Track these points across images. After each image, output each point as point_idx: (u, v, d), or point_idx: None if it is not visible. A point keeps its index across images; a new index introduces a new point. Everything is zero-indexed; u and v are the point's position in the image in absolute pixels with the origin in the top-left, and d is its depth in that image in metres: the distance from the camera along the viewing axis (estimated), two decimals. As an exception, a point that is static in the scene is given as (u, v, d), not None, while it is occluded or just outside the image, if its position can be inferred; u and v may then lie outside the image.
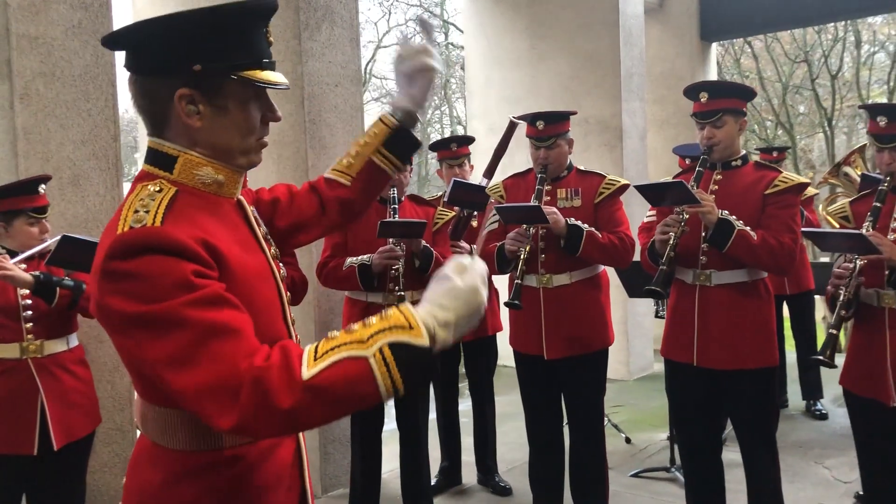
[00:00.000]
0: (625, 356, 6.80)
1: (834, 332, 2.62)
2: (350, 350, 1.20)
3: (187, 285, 1.21)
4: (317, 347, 1.22)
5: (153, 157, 1.39)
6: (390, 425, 3.90)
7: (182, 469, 1.38)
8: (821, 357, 2.61)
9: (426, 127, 24.18)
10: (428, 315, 1.24)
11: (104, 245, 1.27)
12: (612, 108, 6.76)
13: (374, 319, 1.24)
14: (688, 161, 5.29)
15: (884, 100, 15.30)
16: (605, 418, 5.08)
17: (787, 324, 5.68)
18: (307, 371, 1.18)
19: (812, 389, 5.62)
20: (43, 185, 2.98)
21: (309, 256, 4.18)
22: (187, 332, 1.19)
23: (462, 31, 9.42)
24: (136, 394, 1.47)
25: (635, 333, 6.93)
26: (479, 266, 1.31)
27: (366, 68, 22.26)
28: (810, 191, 4.20)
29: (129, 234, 1.23)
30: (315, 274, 3.70)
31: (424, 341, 1.21)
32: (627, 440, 5.08)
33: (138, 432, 1.49)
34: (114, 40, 1.41)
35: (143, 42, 1.35)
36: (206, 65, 1.32)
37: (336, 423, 4.33)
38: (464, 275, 1.28)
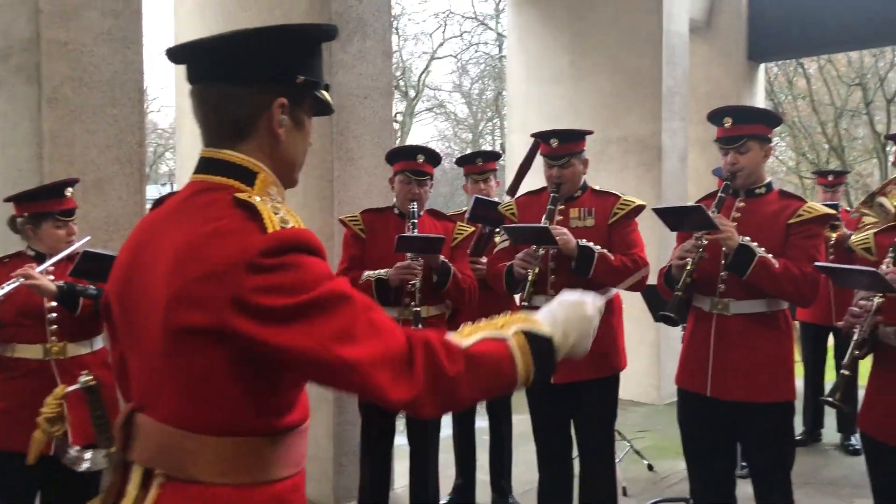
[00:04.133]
0: (656, 379, 6.66)
1: (846, 373, 2.51)
2: (489, 331, 1.35)
3: (329, 276, 1.27)
4: (458, 332, 1.35)
5: (233, 169, 1.37)
6: (403, 440, 3.87)
7: (266, 501, 1.32)
8: (830, 399, 2.51)
9: (478, 138, 24.29)
10: (545, 319, 1.43)
11: (239, 245, 1.22)
12: (651, 127, 6.66)
13: (508, 316, 1.41)
14: (727, 184, 5.17)
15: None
16: (628, 444, 5.00)
17: (830, 353, 5.52)
18: (460, 341, 1.30)
19: (847, 423, 5.43)
20: (70, 189, 3.04)
21: (330, 267, 4.19)
22: (350, 308, 1.24)
23: (507, 46, 9.40)
24: (154, 433, 1.31)
25: (668, 357, 6.77)
26: (593, 300, 1.51)
27: (419, 79, 22.42)
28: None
29: (283, 232, 1.24)
30: (331, 285, 3.70)
31: (549, 333, 1.40)
32: (650, 467, 4.96)
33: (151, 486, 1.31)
34: (207, 47, 1.39)
35: (250, 49, 1.36)
36: (308, 78, 1.38)
37: (351, 435, 4.33)
38: (574, 295, 1.50)
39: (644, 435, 5.68)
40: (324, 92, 1.44)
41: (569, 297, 1.49)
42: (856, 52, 13.60)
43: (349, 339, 1.21)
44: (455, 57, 22.98)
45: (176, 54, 1.45)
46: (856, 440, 5.38)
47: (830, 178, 5.57)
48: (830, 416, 5.58)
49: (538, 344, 1.37)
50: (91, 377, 1.58)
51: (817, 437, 5.56)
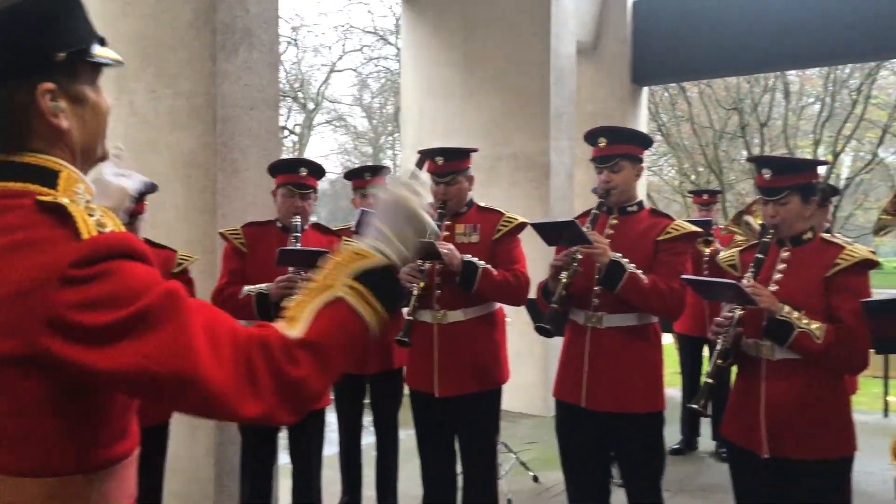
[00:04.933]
0: (543, 391, 6.79)
1: (710, 381, 2.64)
2: (320, 298, 1.20)
3: (154, 281, 1.12)
4: (286, 316, 1.20)
5: (28, 171, 1.16)
6: (286, 458, 3.80)
7: None
8: (695, 406, 2.63)
9: (378, 152, 24.28)
10: (368, 240, 1.29)
11: (48, 257, 1.06)
12: (540, 145, 6.84)
13: (321, 270, 1.26)
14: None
15: (810, 149, 15.84)
16: (514, 456, 5.08)
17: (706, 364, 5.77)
18: (294, 331, 1.16)
19: (719, 432, 5.69)
20: None
21: (212, 282, 4.09)
22: (184, 316, 1.09)
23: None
24: None
25: (555, 369, 6.93)
26: (404, 181, 1.36)
27: (319, 91, 22.27)
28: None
29: (100, 238, 1.08)
30: (211, 301, 3.61)
31: (380, 260, 1.27)
32: (535, 479, 5.05)
33: None
34: None
35: None
36: (69, 50, 1.16)
37: (232, 454, 4.22)
38: (385, 193, 1.35)
39: (531, 447, 5.78)
40: (100, 53, 1.23)
41: (386, 200, 1.34)
42: (733, 77, 14.39)
43: (186, 352, 1.07)
44: (355, 70, 22.97)
45: None
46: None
47: (705, 196, 5.88)
48: (706, 425, 5.84)
49: (376, 278, 1.24)
50: None
51: (694, 445, 5.80)
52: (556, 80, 6.87)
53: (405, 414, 4.48)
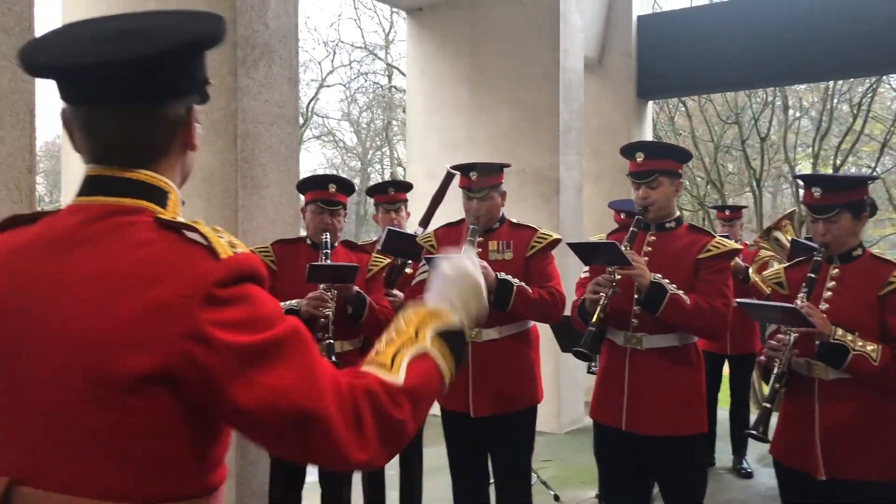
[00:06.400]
0: (556, 408, 6.74)
1: (768, 405, 2.59)
2: (410, 349, 1.23)
3: (282, 314, 1.15)
4: (379, 361, 1.21)
5: (145, 190, 1.16)
6: (311, 478, 3.73)
7: None
8: (754, 432, 2.58)
9: (366, 167, 24.23)
10: (442, 302, 1.35)
11: (190, 274, 1.06)
12: (549, 160, 6.81)
13: (403, 319, 1.29)
14: (623, 216, 5.31)
15: (808, 163, 15.94)
16: (534, 474, 5.01)
17: (725, 380, 5.75)
18: (395, 378, 1.18)
19: (739, 447, 5.66)
20: None
21: (234, 299, 4.02)
22: (309, 353, 1.12)
23: (405, 75, 9.46)
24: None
25: (567, 385, 6.90)
26: (466, 258, 1.46)
27: (308, 106, 22.22)
28: None
29: (236, 259, 1.10)
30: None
31: (457, 323, 1.32)
32: (556, 498, 4.99)
33: None
34: (105, 66, 1.10)
35: (164, 67, 1.12)
36: (209, 79, 1.23)
37: (254, 476, 4.13)
38: (452, 263, 1.42)
39: (547, 465, 5.71)
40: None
41: (451, 272, 1.40)
42: (731, 92, 14.48)
43: (312, 389, 1.08)
44: (344, 85, 22.95)
45: (51, 70, 1.14)
46: (746, 463, 5.61)
47: (727, 212, 5.84)
48: (721, 441, 5.80)
49: (454, 340, 1.30)
50: None
51: (711, 461, 5.75)
52: (565, 94, 6.86)
53: (428, 432, 4.42)
